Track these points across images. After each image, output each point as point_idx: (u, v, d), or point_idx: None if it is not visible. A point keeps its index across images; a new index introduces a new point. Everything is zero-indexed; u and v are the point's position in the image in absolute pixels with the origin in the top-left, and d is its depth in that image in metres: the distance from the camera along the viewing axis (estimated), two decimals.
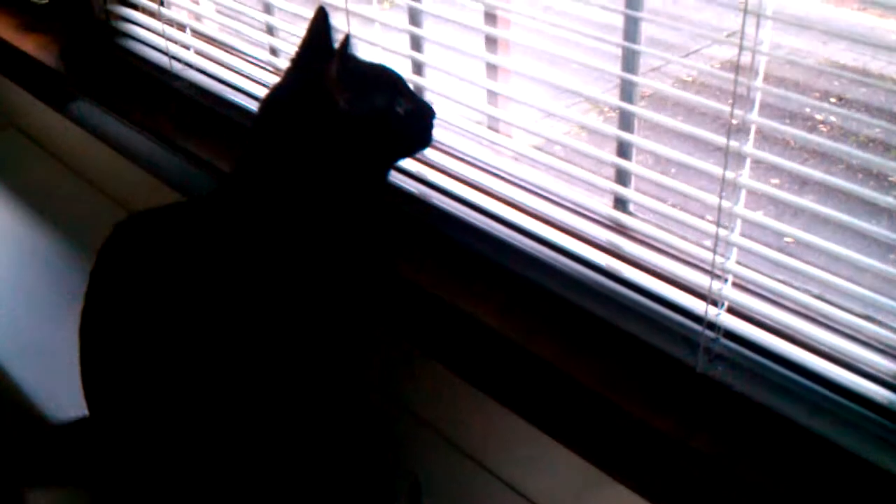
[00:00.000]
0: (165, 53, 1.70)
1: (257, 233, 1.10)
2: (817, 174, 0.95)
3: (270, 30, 1.54)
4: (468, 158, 1.32)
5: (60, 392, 1.30)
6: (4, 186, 2.01)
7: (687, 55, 4.13)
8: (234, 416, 1.08)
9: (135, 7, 1.79)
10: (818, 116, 3.84)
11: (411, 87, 1.19)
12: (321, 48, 1.12)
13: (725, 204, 0.99)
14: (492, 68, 1.28)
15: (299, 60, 1.14)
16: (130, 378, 1.09)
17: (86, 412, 1.16)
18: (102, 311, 1.13)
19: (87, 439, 1.21)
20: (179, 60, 1.69)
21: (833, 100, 3.92)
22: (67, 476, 1.30)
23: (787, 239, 1.00)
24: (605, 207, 1.18)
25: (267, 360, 1.08)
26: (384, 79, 1.14)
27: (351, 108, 1.08)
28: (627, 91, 1.12)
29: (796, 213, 0.98)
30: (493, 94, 1.30)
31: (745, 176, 0.99)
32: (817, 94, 3.95)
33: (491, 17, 1.25)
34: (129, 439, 1.13)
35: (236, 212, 1.11)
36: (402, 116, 1.12)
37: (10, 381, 1.47)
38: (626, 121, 1.13)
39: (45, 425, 1.33)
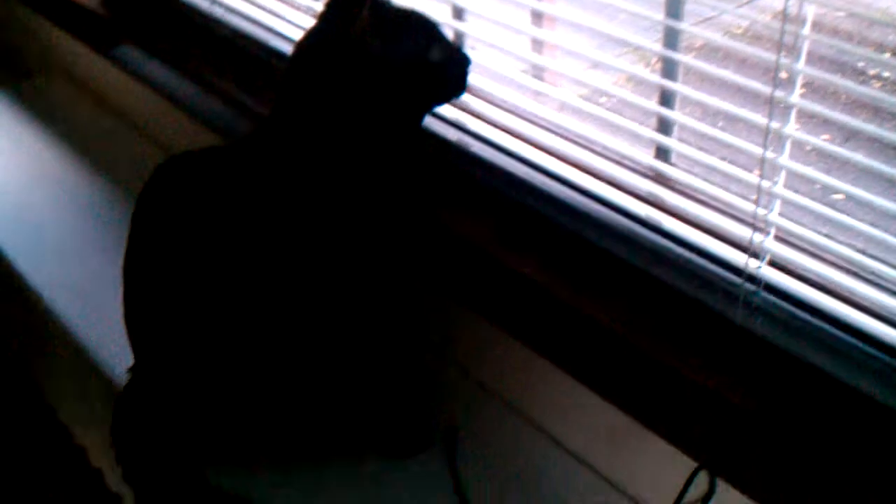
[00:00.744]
0: None
1: (293, 177, 1.10)
2: (865, 126, 0.93)
3: None
4: (510, 107, 1.31)
5: (105, 330, 1.32)
6: (48, 130, 2.03)
7: (740, 6, 4.05)
8: (274, 355, 1.10)
9: None
10: (871, 71, 3.75)
11: (449, 34, 1.18)
12: None
13: (769, 155, 0.97)
14: (537, 16, 1.27)
15: (333, 5, 1.13)
16: (171, 318, 1.11)
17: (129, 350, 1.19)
18: (144, 252, 1.14)
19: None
20: (221, 4, 1.69)
21: (888, 53, 3.83)
22: None
23: (835, 196, 0.98)
24: (647, 157, 1.16)
25: (304, 301, 1.09)
26: (418, 25, 1.12)
27: (383, 54, 1.07)
28: (671, 38, 1.09)
29: (842, 167, 0.96)
30: (537, 43, 1.28)
31: (790, 127, 0.97)
32: (871, 47, 3.85)
33: None
34: (171, 378, 1.15)
35: (272, 156, 1.12)
36: (436, 63, 1.11)
37: (58, 320, 1.49)
38: (669, 69, 1.11)
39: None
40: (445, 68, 1.13)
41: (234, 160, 1.15)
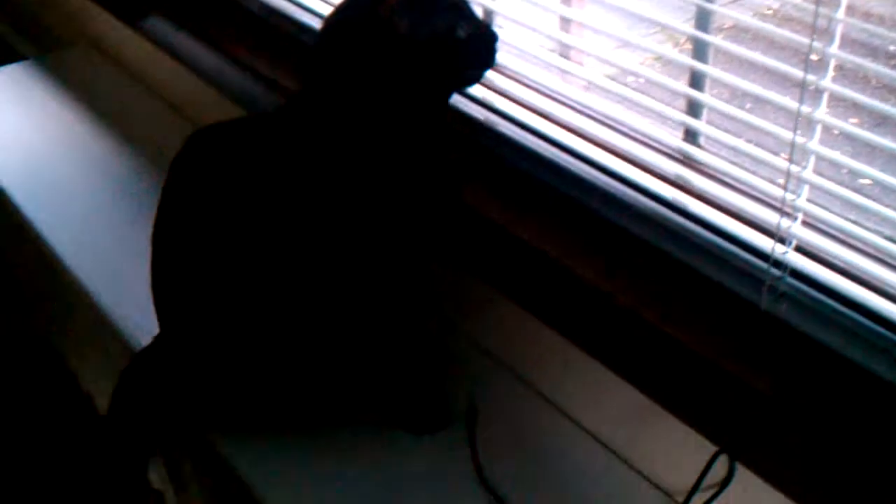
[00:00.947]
0: None
1: (321, 151, 1.10)
2: None
3: None
4: (537, 86, 1.30)
5: (133, 300, 1.34)
6: (77, 101, 2.03)
7: None
8: (297, 328, 1.11)
9: None
10: None
11: (477, 10, 1.17)
12: None
13: (799, 139, 0.96)
14: None
15: None
16: (199, 288, 1.12)
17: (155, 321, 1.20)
18: (173, 224, 1.15)
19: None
20: None
21: None
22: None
23: (862, 180, 0.97)
24: (675, 140, 1.15)
25: (328, 274, 1.09)
26: (445, 2, 1.12)
27: (410, 32, 1.06)
28: (702, 19, 1.08)
29: (871, 152, 0.95)
30: (565, 21, 1.27)
31: (821, 111, 0.96)
32: None
33: None
34: (198, 349, 1.16)
35: (301, 130, 1.12)
36: (463, 41, 1.11)
37: (85, 291, 1.51)
38: (699, 51, 1.10)
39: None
40: (473, 46, 1.13)
41: (263, 134, 1.15)
